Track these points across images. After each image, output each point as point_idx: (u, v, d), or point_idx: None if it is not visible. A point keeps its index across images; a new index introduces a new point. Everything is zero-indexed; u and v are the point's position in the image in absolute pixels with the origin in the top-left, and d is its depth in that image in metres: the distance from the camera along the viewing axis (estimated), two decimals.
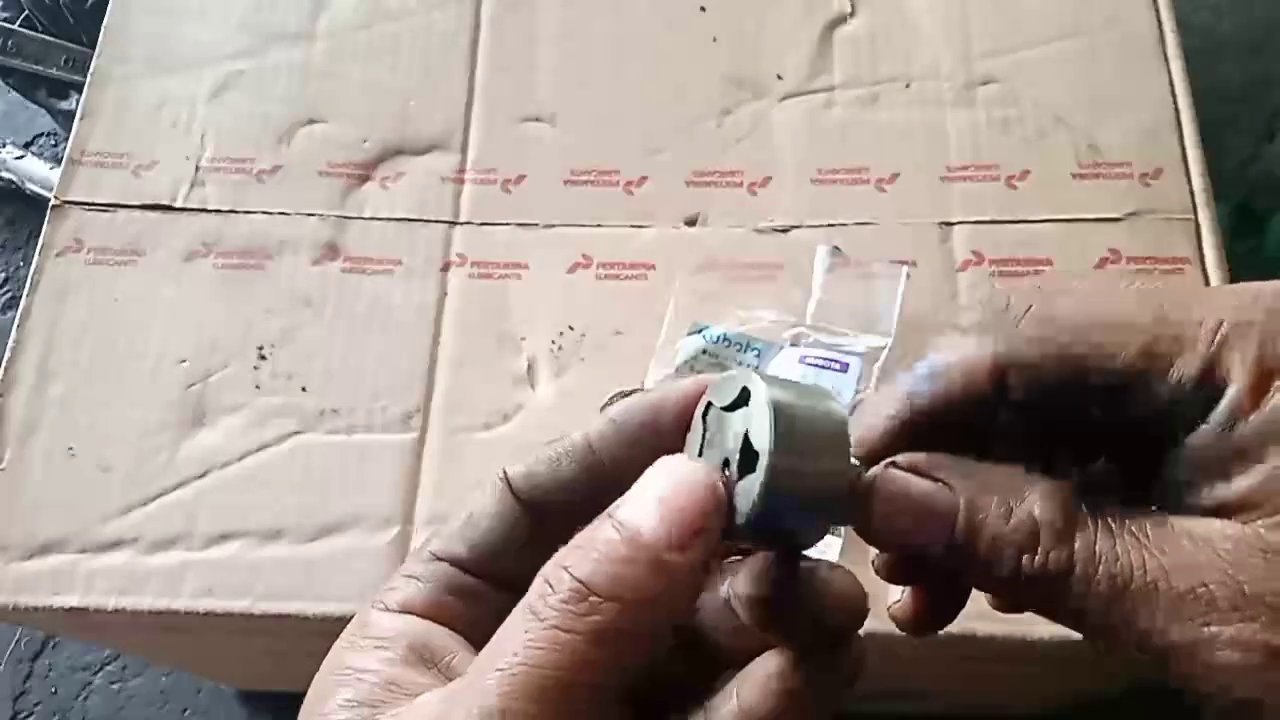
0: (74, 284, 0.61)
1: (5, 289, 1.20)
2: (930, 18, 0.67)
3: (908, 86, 0.65)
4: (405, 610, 0.25)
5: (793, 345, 0.57)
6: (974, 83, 0.65)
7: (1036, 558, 0.22)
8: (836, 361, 0.56)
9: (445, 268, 0.62)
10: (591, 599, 0.20)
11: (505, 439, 0.57)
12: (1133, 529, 0.22)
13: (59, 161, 0.90)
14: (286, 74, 0.68)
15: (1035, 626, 0.49)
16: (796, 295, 0.58)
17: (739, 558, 0.26)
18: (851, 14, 0.68)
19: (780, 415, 0.22)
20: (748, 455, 0.22)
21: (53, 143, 1.25)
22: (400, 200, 0.64)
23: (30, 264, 0.62)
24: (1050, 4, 0.67)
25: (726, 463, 0.23)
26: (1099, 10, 0.66)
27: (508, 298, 0.60)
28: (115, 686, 0.98)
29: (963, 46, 0.66)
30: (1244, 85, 1.16)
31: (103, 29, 0.70)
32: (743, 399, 0.23)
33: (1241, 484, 0.22)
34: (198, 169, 0.65)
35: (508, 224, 0.63)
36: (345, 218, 0.63)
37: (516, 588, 0.22)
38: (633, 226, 0.62)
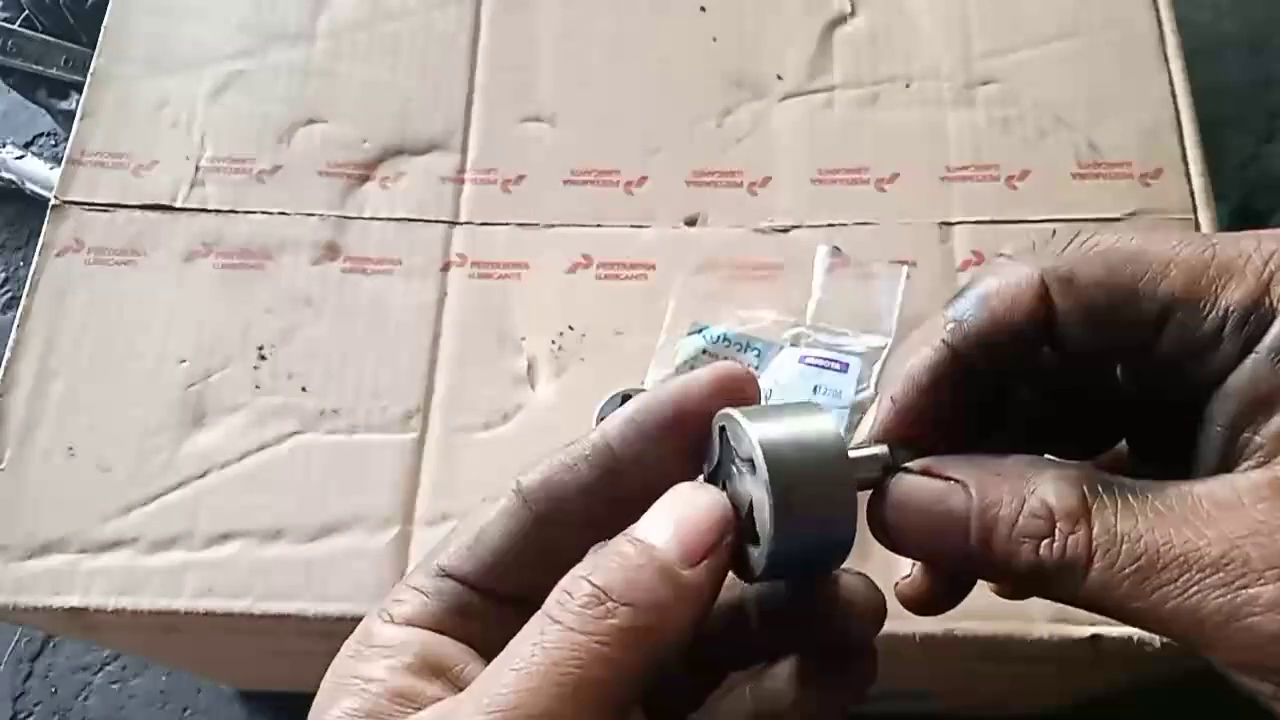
0: (74, 284, 0.61)
1: (5, 289, 1.20)
2: (930, 18, 0.67)
3: (908, 86, 0.65)
4: (411, 625, 0.24)
5: (793, 345, 0.57)
6: (974, 83, 0.65)
7: (1055, 544, 0.21)
8: (836, 361, 0.56)
9: (445, 268, 0.62)
10: (608, 603, 0.20)
11: (505, 439, 0.57)
12: (1156, 504, 0.20)
13: (59, 161, 0.90)
14: (286, 74, 0.68)
15: (1035, 626, 0.49)
16: (796, 295, 0.58)
17: None
18: (851, 14, 0.68)
19: (780, 503, 0.22)
20: (752, 522, 0.23)
21: (53, 143, 1.25)
22: (400, 200, 0.64)
23: (30, 264, 0.62)
24: (1050, 4, 0.67)
25: (736, 510, 0.23)
26: (1099, 10, 0.66)
27: (508, 298, 0.60)
28: (115, 686, 0.98)
29: (963, 46, 0.66)
30: (1244, 85, 1.16)
31: (103, 29, 0.70)
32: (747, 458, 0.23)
33: None
34: (198, 169, 0.65)
35: (508, 224, 0.63)
36: (345, 218, 0.63)
37: (527, 604, 0.22)
38: (633, 226, 0.62)
